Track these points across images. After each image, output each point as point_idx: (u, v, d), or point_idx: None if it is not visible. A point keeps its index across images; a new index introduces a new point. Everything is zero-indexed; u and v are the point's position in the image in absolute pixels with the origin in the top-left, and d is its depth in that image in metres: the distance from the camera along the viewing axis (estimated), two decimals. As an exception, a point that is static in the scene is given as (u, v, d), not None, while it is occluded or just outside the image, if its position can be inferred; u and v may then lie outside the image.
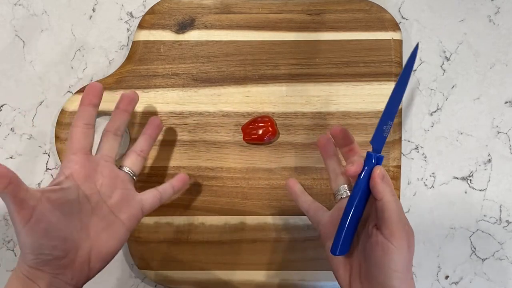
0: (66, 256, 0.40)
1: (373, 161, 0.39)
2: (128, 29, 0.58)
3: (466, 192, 0.56)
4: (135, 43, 0.55)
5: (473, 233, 0.55)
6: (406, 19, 0.57)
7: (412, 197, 0.56)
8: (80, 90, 0.54)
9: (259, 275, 0.53)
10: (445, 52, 0.57)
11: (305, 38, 0.55)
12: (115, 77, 0.55)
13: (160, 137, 0.54)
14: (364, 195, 0.39)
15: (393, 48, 0.54)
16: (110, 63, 0.57)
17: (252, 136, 0.53)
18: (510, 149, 0.56)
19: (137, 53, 0.55)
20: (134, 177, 0.48)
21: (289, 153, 0.54)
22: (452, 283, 0.55)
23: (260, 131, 0.53)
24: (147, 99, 0.54)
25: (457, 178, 0.56)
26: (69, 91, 0.57)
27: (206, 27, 0.55)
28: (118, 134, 0.47)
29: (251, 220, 0.54)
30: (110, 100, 0.52)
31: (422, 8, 0.57)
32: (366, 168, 0.39)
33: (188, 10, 0.55)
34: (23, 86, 0.57)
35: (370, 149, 0.41)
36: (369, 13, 0.55)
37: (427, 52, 0.57)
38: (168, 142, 0.54)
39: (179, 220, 0.54)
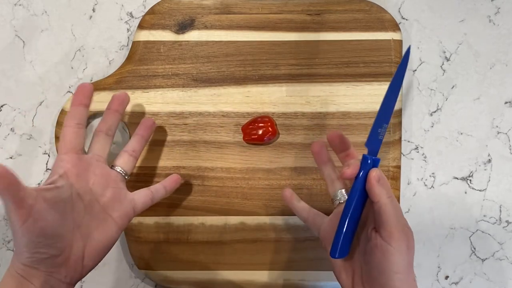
0: (61, 254, 0.40)
1: (369, 162, 0.39)
2: (128, 29, 0.58)
3: (466, 192, 0.56)
4: (135, 43, 0.55)
5: (473, 233, 0.55)
6: (406, 19, 0.57)
7: (412, 197, 0.56)
8: (80, 90, 0.54)
9: (259, 275, 0.53)
10: (445, 52, 0.57)
11: (305, 38, 0.55)
12: (115, 77, 0.55)
13: (160, 138, 0.54)
14: (361, 198, 0.39)
15: (393, 48, 0.54)
16: (110, 63, 0.57)
17: (252, 136, 0.53)
18: (510, 149, 0.56)
19: (137, 53, 0.55)
20: (126, 177, 0.48)
21: (289, 153, 0.54)
22: (452, 283, 0.55)
23: (260, 131, 0.53)
24: (147, 99, 0.54)
25: (457, 178, 0.56)
26: (69, 91, 0.57)
27: (206, 27, 0.55)
28: (109, 134, 0.48)
29: (251, 220, 0.54)
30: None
31: (422, 8, 0.57)
32: (362, 171, 0.39)
33: (188, 10, 0.55)
34: (23, 86, 0.57)
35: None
36: (369, 13, 0.55)
37: (427, 52, 0.57)
38: (168, 143, 0.54)
39: (179, 220, 0.54)
